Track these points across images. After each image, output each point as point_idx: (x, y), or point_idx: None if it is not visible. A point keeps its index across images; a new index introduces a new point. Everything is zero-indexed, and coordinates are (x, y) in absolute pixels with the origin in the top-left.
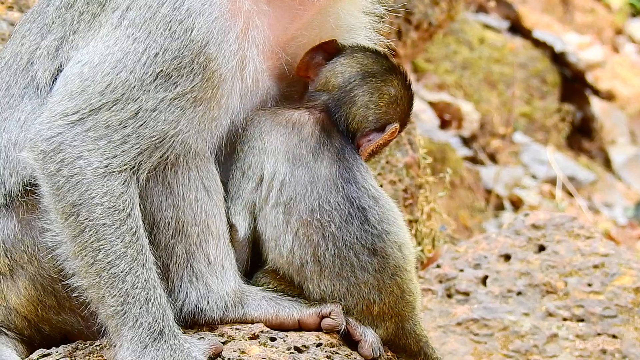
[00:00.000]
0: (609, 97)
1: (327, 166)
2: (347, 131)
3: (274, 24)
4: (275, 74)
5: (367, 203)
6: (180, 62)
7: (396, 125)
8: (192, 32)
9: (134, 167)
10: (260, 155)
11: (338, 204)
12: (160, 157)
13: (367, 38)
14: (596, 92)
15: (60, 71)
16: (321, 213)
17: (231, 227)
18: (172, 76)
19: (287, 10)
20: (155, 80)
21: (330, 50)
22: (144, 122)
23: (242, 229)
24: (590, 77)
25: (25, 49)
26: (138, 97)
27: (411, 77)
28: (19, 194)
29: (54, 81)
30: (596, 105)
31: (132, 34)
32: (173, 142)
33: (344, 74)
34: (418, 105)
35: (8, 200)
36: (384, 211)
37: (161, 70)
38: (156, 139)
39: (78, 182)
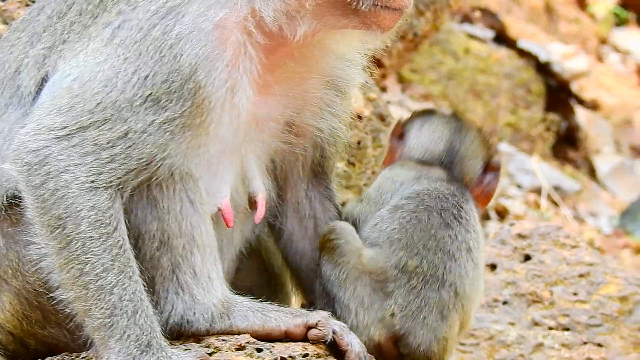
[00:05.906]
0: (593, 106)
1: None
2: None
3: (267, 53)
4: (267, 102)
5: None
6: (170, 87)
7: (495, 160)
8: (181, 57)
9: (119, 185)
10: None
11: None
12: (146, 177)
13: (362, 70)
14: (581, 102)
15: (45, 80)
16: None
17: None
18: (161, 100)
19: (276, 40)
20: (145, 102)
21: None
22: (133, 144)
23: None
24: (575, 87)
25: (13, 58)
26: (127, 118)
27: (399, 86)
28: (2, 207)
29: (37, 90)
30: (581, 114)
31: (123, 54)
32: (161, 165)
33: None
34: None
35: None
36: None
37: (150, 93)
38: (143, 161)
39: (64, 195)
